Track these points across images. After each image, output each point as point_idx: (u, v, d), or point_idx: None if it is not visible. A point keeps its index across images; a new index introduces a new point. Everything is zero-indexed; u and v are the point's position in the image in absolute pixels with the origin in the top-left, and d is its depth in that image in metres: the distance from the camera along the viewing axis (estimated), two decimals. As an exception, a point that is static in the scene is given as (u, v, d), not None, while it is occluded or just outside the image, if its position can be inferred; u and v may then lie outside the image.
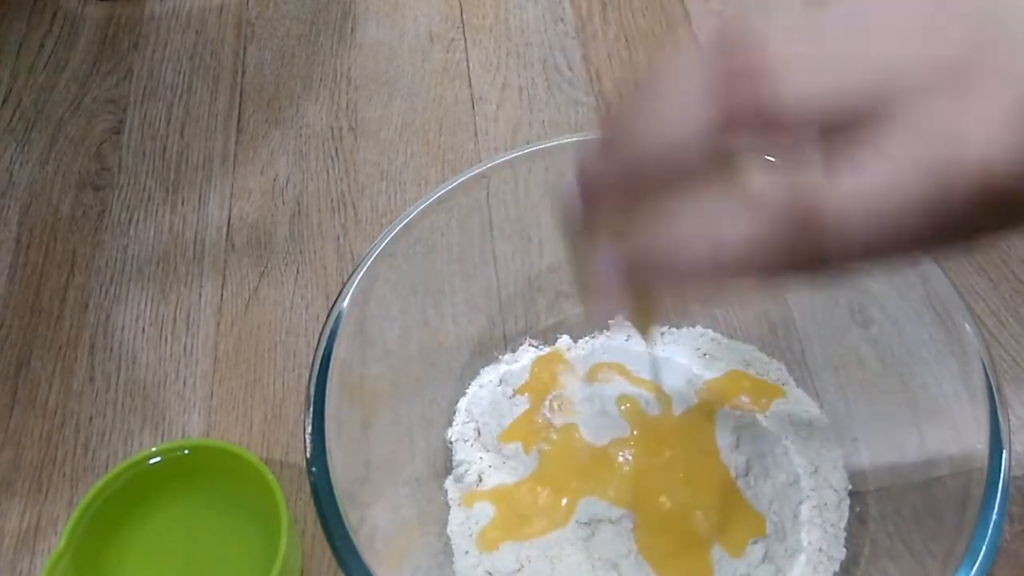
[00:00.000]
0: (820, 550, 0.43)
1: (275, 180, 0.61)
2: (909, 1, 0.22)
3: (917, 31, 0.22)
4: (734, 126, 0.22)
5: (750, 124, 0.22)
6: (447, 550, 0.44)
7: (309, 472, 0.38)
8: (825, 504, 0.44)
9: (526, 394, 0.48)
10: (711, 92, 0.22)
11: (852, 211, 0.21)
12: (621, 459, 0.44)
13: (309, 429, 0.39)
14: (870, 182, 0.21)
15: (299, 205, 0.60)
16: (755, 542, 0.42)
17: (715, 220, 0.23)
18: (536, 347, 0.51)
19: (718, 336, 0.51)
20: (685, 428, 0.45)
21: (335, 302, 0.43)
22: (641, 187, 0.24)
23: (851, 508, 0.44)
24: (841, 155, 0.21)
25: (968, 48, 0.21)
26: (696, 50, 0.23)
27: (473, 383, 0.50)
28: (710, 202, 0.23)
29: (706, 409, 0.46)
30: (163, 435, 0.51)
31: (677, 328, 0.51)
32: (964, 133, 0.21)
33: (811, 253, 0.22)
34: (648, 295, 0.28)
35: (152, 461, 0.44)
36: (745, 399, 0.48)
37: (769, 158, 0.23)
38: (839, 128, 0.22)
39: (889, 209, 0.21)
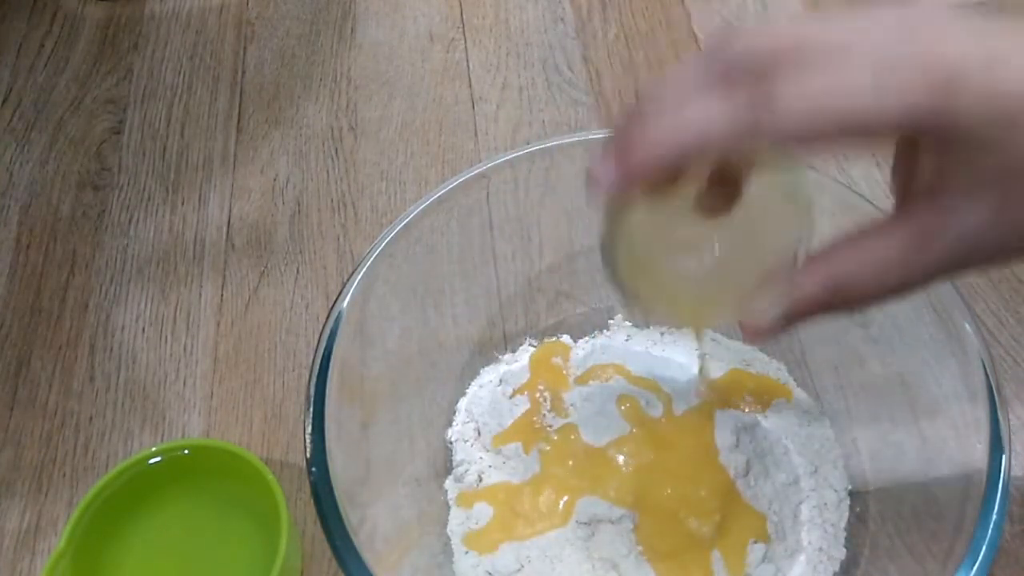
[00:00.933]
0: (820, 550, 0.43)
1: (275, 180, 0.61)
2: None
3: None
4: (716, 72, 0.27)
5: (727, 68, 0.27)
6: (447, 550, 0.44)
7: (309, 472, 0.38)
8: (825, 504, 0.44)
9: (525, 394, 0.48)
10: (698, 61, 0.28)
11: (802, 81, 0.25)
12: (621, 459, 0.44)
13: (309, 429, 0.39)
14: (821, 78, 0.25)
15: (299, 205, 0.60)
16: (755, 542, 0.42)
17: (689, 99, 0.27)
18: (536, 347, 0.51)
19: (718, 336, 0.50)
20: (685, 428, 0.45)
21: (335, 302, 0.43)
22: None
23: (851, 508, 0.44)
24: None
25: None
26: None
27: (473, 383, 0.50)
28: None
29: (706, 409, 0.46)
30: (163, 435, 0.51)
31: (677, 328, 0.51)
32: (924, 42, 0.25)
33: (762, 128, 0.25)
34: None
35: (152, 461, 0.44)
36: (748, 398, 0.48)
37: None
38: (805, 60, 0.25)
39: (832, 100, 0.25)
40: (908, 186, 0.29)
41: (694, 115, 0.26)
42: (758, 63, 0.26)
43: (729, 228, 0.32)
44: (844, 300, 0.29)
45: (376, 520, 0.40)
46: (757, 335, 0.33)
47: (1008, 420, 0.37)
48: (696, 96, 0.27)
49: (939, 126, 0.25)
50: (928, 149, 0.27)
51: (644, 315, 0.40)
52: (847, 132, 0.25)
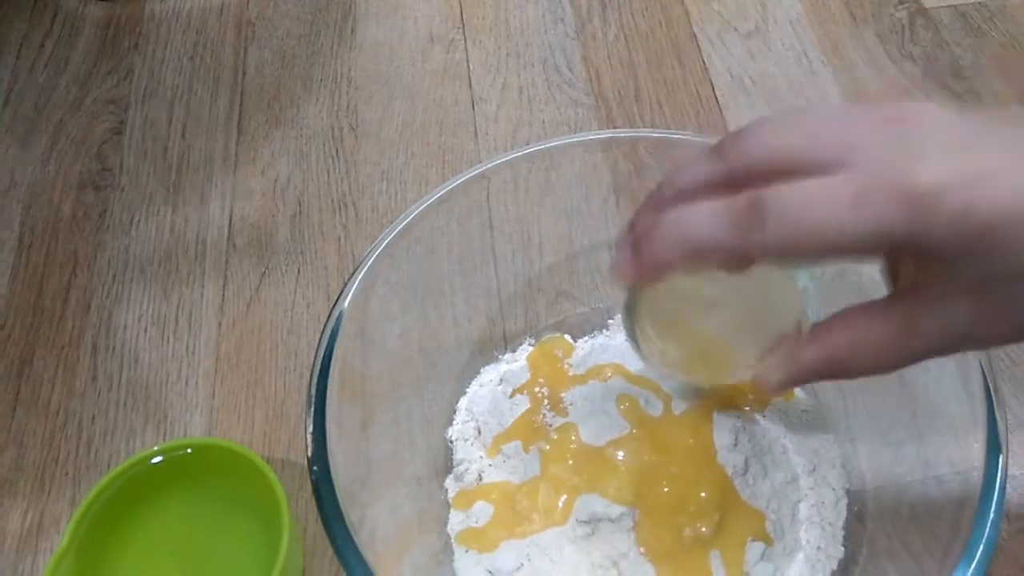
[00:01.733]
0: (818, 549, 0.43)
1: (276, 180, 0.62)
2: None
3: (866, 111, 0.29)
4: (724, 170, 0.31)
5: (732, 168, 0.30)
6: (447, 549, 0.44)
7: (310, 471, 0.38)
8: (823, 503, 0.44)
9: (526, 393, 0.48)
10: (711, 156, 0.32)
11: (789, 204, 0.27)
12: (620, 458, 0.44)
13: (310, 428, 0.39)
14: (805, 201, 0.27)
15: (300, 205, 0.60)
16: (754, 541, 0.43)
17: (695, 207, 0.30)
18: (536, 346, 0.51)
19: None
20: (684, 427, 0.45)
21: (336, 302, 0.43)
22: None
23: (849, 507, 0.44)
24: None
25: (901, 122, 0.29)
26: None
27: (473, 382, 0.50)
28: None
29: (705, 409, 0.46)
30: (165, 434, 0.51)
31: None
32: (906, 163, 0.26)
33: (755, 234, 0.28)
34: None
35: (154, 460, 0.44)
36: (748, 398, 0.48)
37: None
38: (800, 170, 0.28)
39: (819, 209, 0.27)
40: (897, 275, 0.31)
41: (701, 224, 0.30)
42: (758, 169, 0.29)
43: (740, 294, 0.34)
44: (839, 372, 0.32)
45: (377, 519, 0.41)
46: (763, 391, 0.37)
47: (1005, 420, 0.38)
48: (705, 198, 0.30)
49: (913, 245, 0.27)
50: (909, 255, 0.30)
51: (662, 374, 0.43)
52: (828, 251, 0.28)
